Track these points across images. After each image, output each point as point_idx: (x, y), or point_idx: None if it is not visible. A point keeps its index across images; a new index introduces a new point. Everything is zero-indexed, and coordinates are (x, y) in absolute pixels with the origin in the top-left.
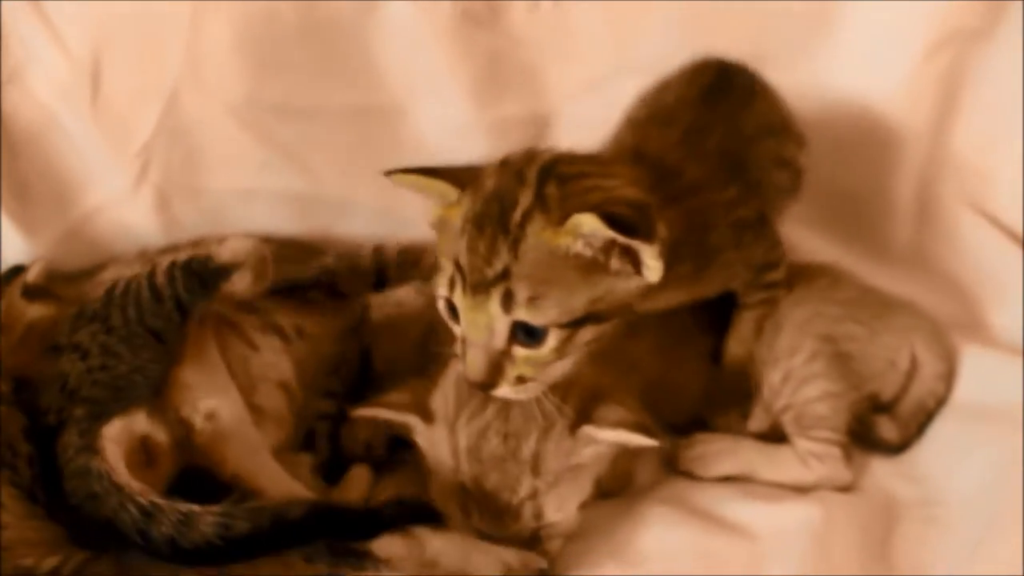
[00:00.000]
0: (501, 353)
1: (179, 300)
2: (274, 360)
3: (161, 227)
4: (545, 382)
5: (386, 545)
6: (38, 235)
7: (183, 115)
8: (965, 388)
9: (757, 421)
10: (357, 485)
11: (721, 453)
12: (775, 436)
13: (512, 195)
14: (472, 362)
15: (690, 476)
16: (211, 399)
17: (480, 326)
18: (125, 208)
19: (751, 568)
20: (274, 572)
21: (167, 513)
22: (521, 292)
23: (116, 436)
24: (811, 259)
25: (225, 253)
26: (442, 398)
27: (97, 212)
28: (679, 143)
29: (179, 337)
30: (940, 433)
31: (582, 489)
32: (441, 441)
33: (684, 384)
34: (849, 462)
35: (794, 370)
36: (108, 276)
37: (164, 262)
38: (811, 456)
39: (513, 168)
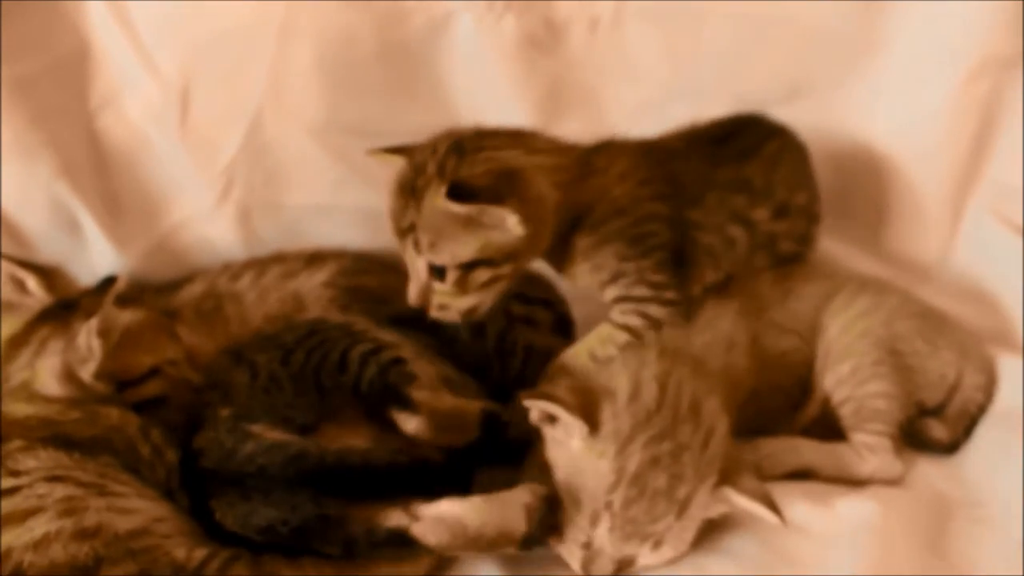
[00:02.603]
0: (425, 285)
1: (357, 386)
2: None
3: (242, 241)
4: (460, 310)
5: (424, 529)
6: (128, 248)
7: (265, 135)
8: (1004, 396)
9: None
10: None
11: (784, 452)
12: (820, 432)
13: (423, 165)
14: (411, 290)
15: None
16: None
17: (410, 264)
18: (209, 223)
19: (818, 562)
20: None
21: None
22: (424, 240)
23: (266, 431)
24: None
25: (418, 393)
26: (612, 414)
27: (182, 227)
28: (650, 152)
29: (336, 407)
30: (983, 438)
31: (689, 540)
32: (603, 455)
33: (775, 392)
34: (899, 455)
35: (862, 368)
36: (196, 288)
37: (366, 341)
38: (865, 448)
39: (433, 143)
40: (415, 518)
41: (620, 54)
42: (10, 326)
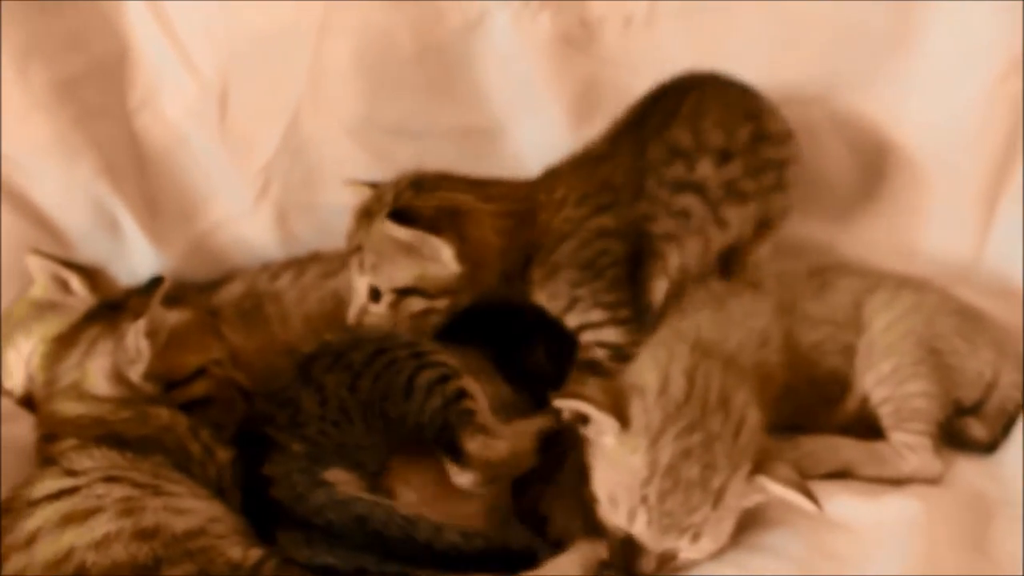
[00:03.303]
0: (363, 306)
1: (420, 414)
2: None
3: (279, 241)
4: None
5: None
6: (166, 247)
7: (303, 135)
8: None
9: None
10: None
11: (824, 451)
12: (859, 431)
13: (384, 194)
14: (350, 310)
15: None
16: None
17: (353, 283)
18: (246, 223)
19: (861, 559)
20: None
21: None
22: (367, 260)
23: (339, 479)
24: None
25: (471, 444)
26: (642, 409)
27: (220, 226)
28: (580, 166)
29: (401, 439)
30: (1021, 436)
31: (728, 531)
32: (636, 450)
33: (809, 385)
34: (938, 454)
35: (902, 367)
36: (236, 288)
37: (432, 367)
38: (905, 447)
39: (399, 179)
40: None
41: (654, 52)
42: (54, 325)
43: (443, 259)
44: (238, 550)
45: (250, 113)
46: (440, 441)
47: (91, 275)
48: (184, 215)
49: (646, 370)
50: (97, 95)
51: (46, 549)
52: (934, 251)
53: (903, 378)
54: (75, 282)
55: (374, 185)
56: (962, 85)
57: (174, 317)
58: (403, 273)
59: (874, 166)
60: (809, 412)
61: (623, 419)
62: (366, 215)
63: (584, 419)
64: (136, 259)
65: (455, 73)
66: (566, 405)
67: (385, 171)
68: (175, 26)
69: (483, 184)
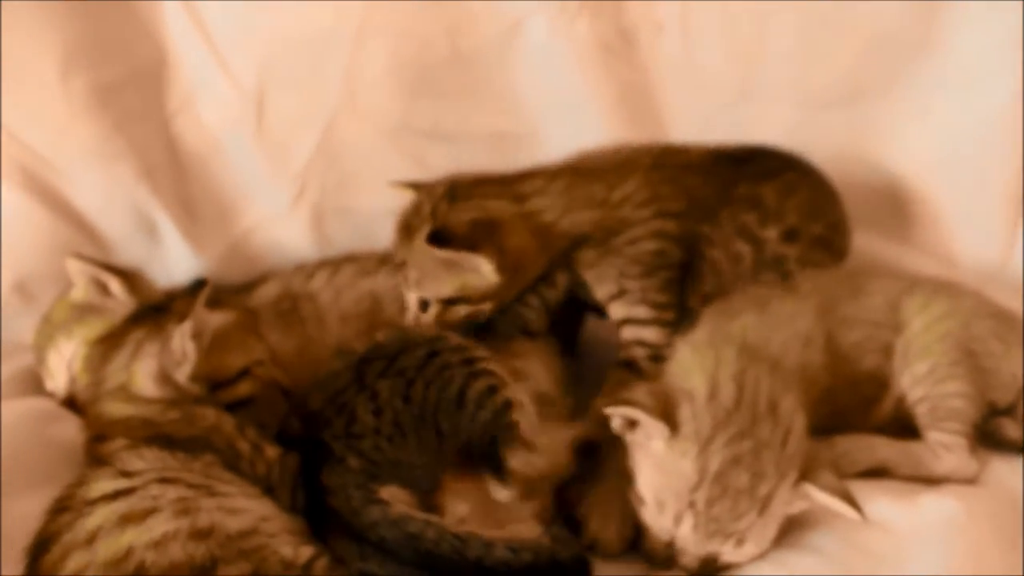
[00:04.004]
0: (415, 316)
1: (471, 425)
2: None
3: (314, 244)
4: None
5: None
6: (204, 250)
7: (339, 138)
8: None
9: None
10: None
11: (860, 450)
12: (894, 431)
13: (421, 206)
14: (407, 318)
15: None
16: None
17: (404, 295)
18: (282, 226)
19: (902, 558)
20: None
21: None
22: (412, 275)
23: (394, 496)
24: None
25: (514, 460)
26: (691, 414)
27: (257, 229)
28: (660, 167)
29: (453, 450)
30: None
31: (771, 537)
32: (685, 455)
33: (849, 387)
34: (974, 454)
35: (939, 367)
36: (271, 289)
37: (483, 376)
38: (941, 447)
39: (434, 184)
40: None
41: (686, 58)
42: (94, 328)
43: (483, 272)
44: (289, 549)
45: (287, 117)
46: (485, 456)
47: (130, 278)
48: (221, 218)
49: (694, 374)
50: (136, 100)
51: (106, 548)
52: (962, 254)
53: (940, 378)
54: (114, 285)
55: (415, 186)
56: (990, 88)
57: (217, 319)
58: (446, 286)
59: (902, 171)
60: (847, 413)
61: (672, 424)
62: (406, 230)
63: (632, 424)
64: (173, 262)
65: (490, 78)
66: (616, 412)
67: (420, 174)
68: (213, 32)
69: (512, 182)
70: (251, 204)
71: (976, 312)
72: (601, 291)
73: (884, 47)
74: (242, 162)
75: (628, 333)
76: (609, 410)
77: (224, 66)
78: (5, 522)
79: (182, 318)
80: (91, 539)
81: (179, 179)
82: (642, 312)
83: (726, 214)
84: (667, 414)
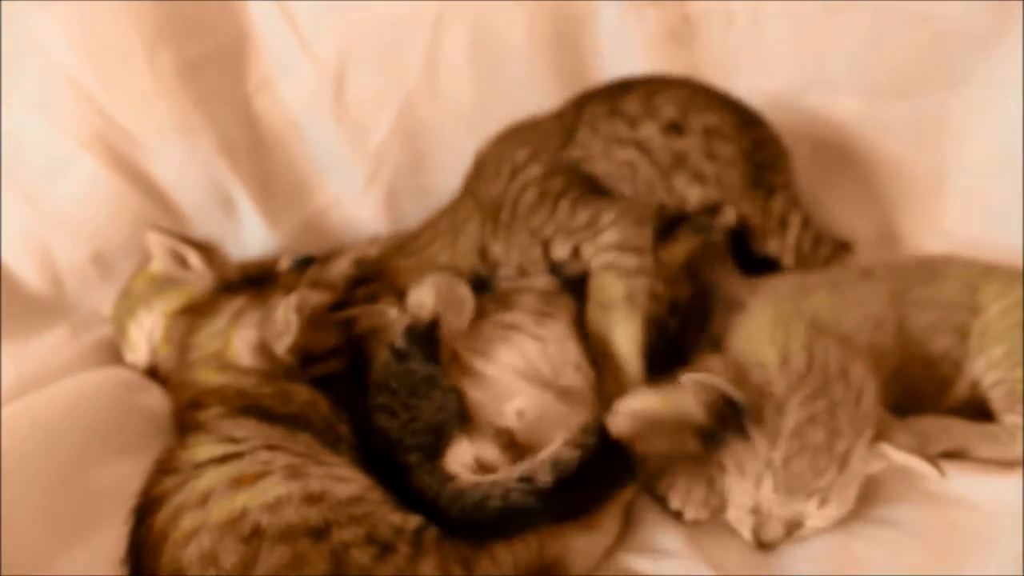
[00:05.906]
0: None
1: (421, 355)
2: (563, 346)
3: (387, 222)
4: None
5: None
6: (278, 226)
7: (416, 120)
8: None
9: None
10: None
11: (935, 431)
12: (968, 415)
13: None
14: None
15: None
16: (512, 401)
17: None
18: (357, 204)
19: (986, 535)
20: None
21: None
22: None
23: (453, 460)
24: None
25: (418, 311)
26: (764, 381)
27: (331, 207)
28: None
29: (442, 370)
30: None
31: (853, 498)
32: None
33: (922, 366)
34: None
35: (1014, 351)
36: (342, 264)
37: (398, 330)
38: (1017, 429)
39: None
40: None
41: (754, 47)
42: (173, 300)
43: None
44: (398, 515)
45: (365, 98)
46: (430, 341)
47: (207, 251)
48: (297, 195)
49: (764, 347)
50: (218, 78)
51: (220, 509)
52: (1005, 240)
53: (1016, 363)
54: (192, 258)
55: None
56: None
57: (316, 297)
58: None
59: (965, 165)
60: (920, 395)
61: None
62: None
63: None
64: (248, 236)
65: (566, 66)
66: (693, 379)
67: None
68: (295, 12)
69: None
70: (327, 182)
71: None
72: (529, 259)
73: (953, 41)
74: (319, 140)
75: (588, 252)
76: (686, 377)
77: (305, 46)
78: (101, 485)
79: (288, 291)
80: (203, 500)
81: (257, 156)
82: (576, 238)
83: (583, 133)
84: (740, 383)
